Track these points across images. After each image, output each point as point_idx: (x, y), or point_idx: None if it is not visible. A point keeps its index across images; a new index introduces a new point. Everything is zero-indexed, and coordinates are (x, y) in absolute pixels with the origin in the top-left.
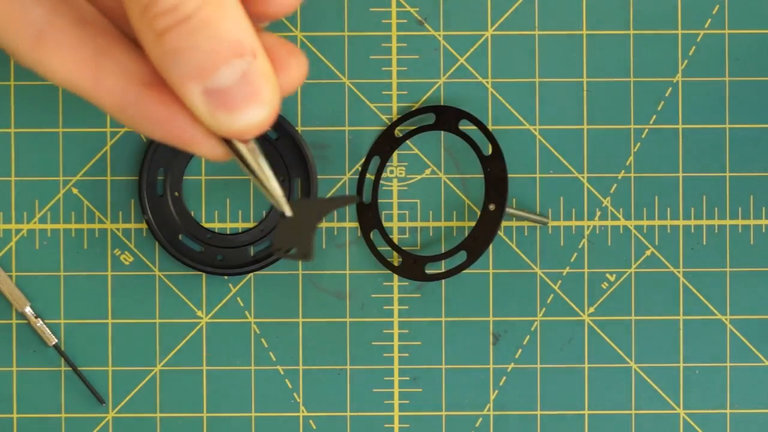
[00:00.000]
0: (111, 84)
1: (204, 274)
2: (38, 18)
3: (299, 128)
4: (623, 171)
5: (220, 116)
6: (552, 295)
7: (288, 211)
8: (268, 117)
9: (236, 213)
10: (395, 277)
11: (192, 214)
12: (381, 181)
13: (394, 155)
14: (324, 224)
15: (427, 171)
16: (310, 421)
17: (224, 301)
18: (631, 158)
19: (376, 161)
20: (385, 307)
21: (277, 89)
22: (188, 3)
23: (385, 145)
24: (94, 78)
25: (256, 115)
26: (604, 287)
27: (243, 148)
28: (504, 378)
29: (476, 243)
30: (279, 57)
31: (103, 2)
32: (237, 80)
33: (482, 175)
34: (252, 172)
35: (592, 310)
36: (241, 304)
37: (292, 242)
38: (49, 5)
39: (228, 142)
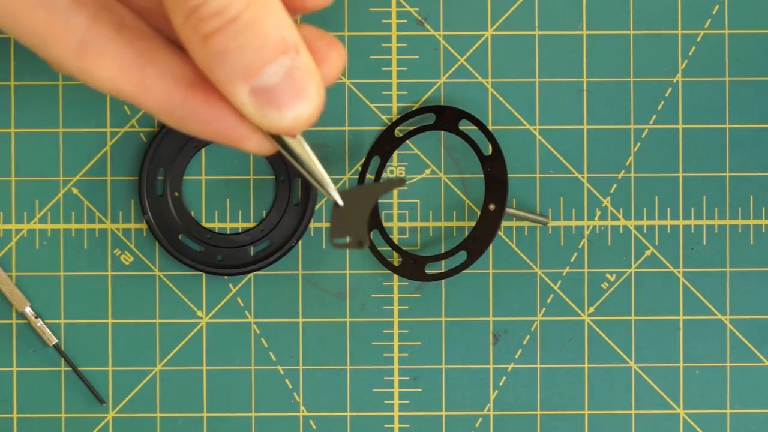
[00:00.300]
0: (156, 88)
1: (204, 274)
2: (80, 27)
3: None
4: (623, 171)
5: (269, 114)
6: (552, 295)
7: (340, 201)
8: (315, 111)
9: (236, 213)
10: (395, 277)
11: (192, 214)
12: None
13: (394, 155)
14: (324, 224)
15: (427, 171)
16: (310, 421)
17: (224, 301)
18: (631, 158)
19: (376, 161)
20: (385, 307)
21: (321, 83)
22: (234, 5)
23: (385, 145)
24: (139, 83)
25: (303, 110)
26: (604, 287)
27: (292, 142)
28: (504, 378)
29: (476, 243)
30: (319, 49)
31: (139, 4)
32: (283, 77)
33: (482, 175)
34: (302, 164)
35: (592, 310)
36: (241, 304)
37: (347, 231)
38: (90, 13)
39: (276, 137)
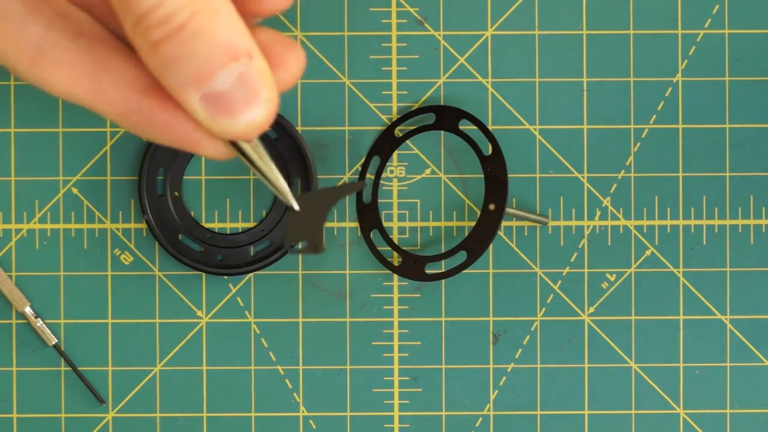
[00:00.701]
0: (112, 94)
1: (204, 274)
2: (35, 35)
3: (299, 128)
4: (623, 171)
5: (221, 120)
6: (552, 295)
7: (295, 206)
8: (268, 116)
9: (236, 213)
10: (395, 277)
11: (192, 214)
12: (381, 181)
13: (394, 155)
14: (324, 224)
15: (427, 171)
16: (310, 421)
17: (224, 301)
18: (631, 158)
19: (376, 161)
20: (385, 307)
21: (275, 87)
22: (180, 12)
23: (385, 144)
24: (94, 90)
25: (256, 115)
26: (604, 287)
27: (247, 147)
28: (504, 378)
29: (476, 243)
30: (275, 53)
31: (95, 7)
32: (234, 83)
33: (482, 175)
34: (257, 169)
35: (592, 310)
36: (241, 304)
37: (303, 236)
38: (45, 21)
39: (232, 142)
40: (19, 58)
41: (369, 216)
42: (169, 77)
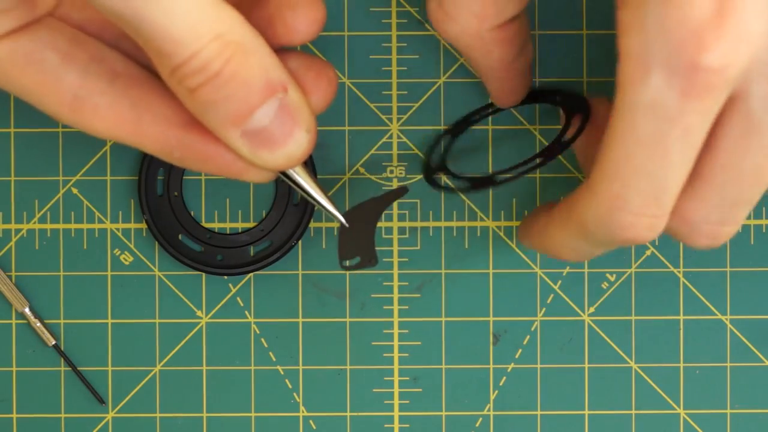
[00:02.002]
0: (152, 132)
1: (204, 274)
2: (72, 83)
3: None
4: None
5: (262, 155)
6: (552, 295)
7: (344, 222)
8: (309, 144)
9: (236, 213)
10: (395, 276)
11: (192, 214)
12: (380, 182)
13: (395, 155)
14: (324, 224)
15: None
16: (310, 421)
17: (224, 301)
18: None
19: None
20: (385, 307)
21: (312, 116)
22: (215, 61)
23: (460, 125)
24: (135, 130)
25: (296, 146)
26: (604, 287)
27: (291, 173)
28: (504, 378)
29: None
30: (308, 79)
31: (123, 41)
32: (273, 118)
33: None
34: (303, 191)
35: (592, 310)
36: (241, 304)
37: (355, 251)
38: (81, 67)
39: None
40: (59, 106)
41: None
42: (208, 118)
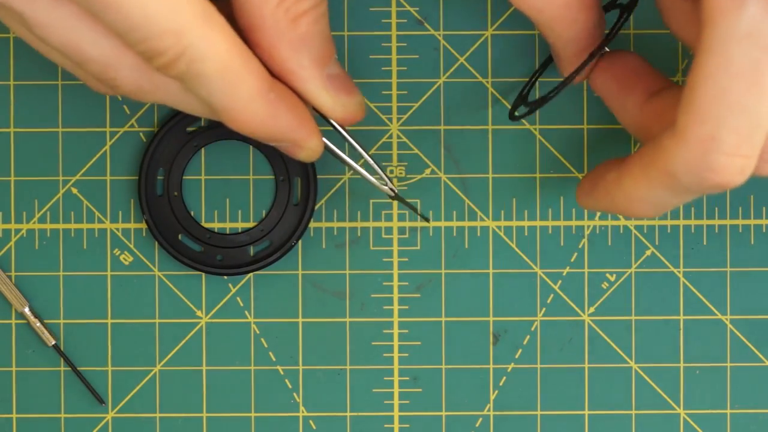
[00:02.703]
0: (257, 68)
1: (204, 274)
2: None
3: None
4: None
5: (342, 98)
6: (552, 295)
7: (395, 189)
8: (363, 103)
9: (236, 213)
10: (395, 276)
11: (192, 214)
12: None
13: (394, 155)
14: (324, 224)
15: (427, 171)
16: (310, 421)
17: (224, 301)
18: None
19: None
20: (385, 307)
21: None
22: None
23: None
24: (247, 59)
25: (360, 99)
26: (604, 287)
27: (346, 134)
28: (504, 378)
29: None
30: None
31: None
32: (342, 71)
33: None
34: (352, 160)
35: (592, 310)
36: (241, 304)
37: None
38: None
39: (331, 136)
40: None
41: None
42: (303, 54)
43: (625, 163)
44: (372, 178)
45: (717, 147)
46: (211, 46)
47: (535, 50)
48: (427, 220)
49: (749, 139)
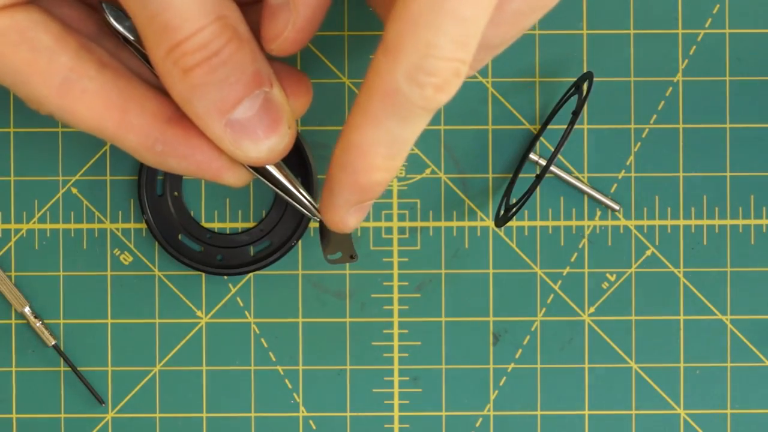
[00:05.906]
0: (137, 123)
1: (203, 274)
2: (63, 66)
3: (299, 128)
4: (623, 171)
5: (245, 146)
6: (552, 295)
7: (323, 220)
8: (289, 141)
9: (236, 213)
10: (395, 276)
11: (192, 214)
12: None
13: None
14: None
15: (427, 171)
16: (310, 422)
17: (224, 301)
18: (632, 158)
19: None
20: (385, 307)
21: (292, 115)
22: (215, 41)
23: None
24: (121, 120)
25: (278, 140)
26: (604, 287)
27: (270, 170)
28: (504, 378)
29: None
30: (289, 84)
31: (107, 45)
32: (258, 110)
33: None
34: (283, 190)
35: (592, 310)
36: (241, 304)
37: (337, 247)
38: (73, 52)
39: (253, 168)
40: (48, 88)
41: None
42: (195, 104)
43: (345, 127)
44: (302, 209)
45: (435, 52)
46: (72, 117)
47: (535, 50)
48: (353, 258)
49: (464, 45)
